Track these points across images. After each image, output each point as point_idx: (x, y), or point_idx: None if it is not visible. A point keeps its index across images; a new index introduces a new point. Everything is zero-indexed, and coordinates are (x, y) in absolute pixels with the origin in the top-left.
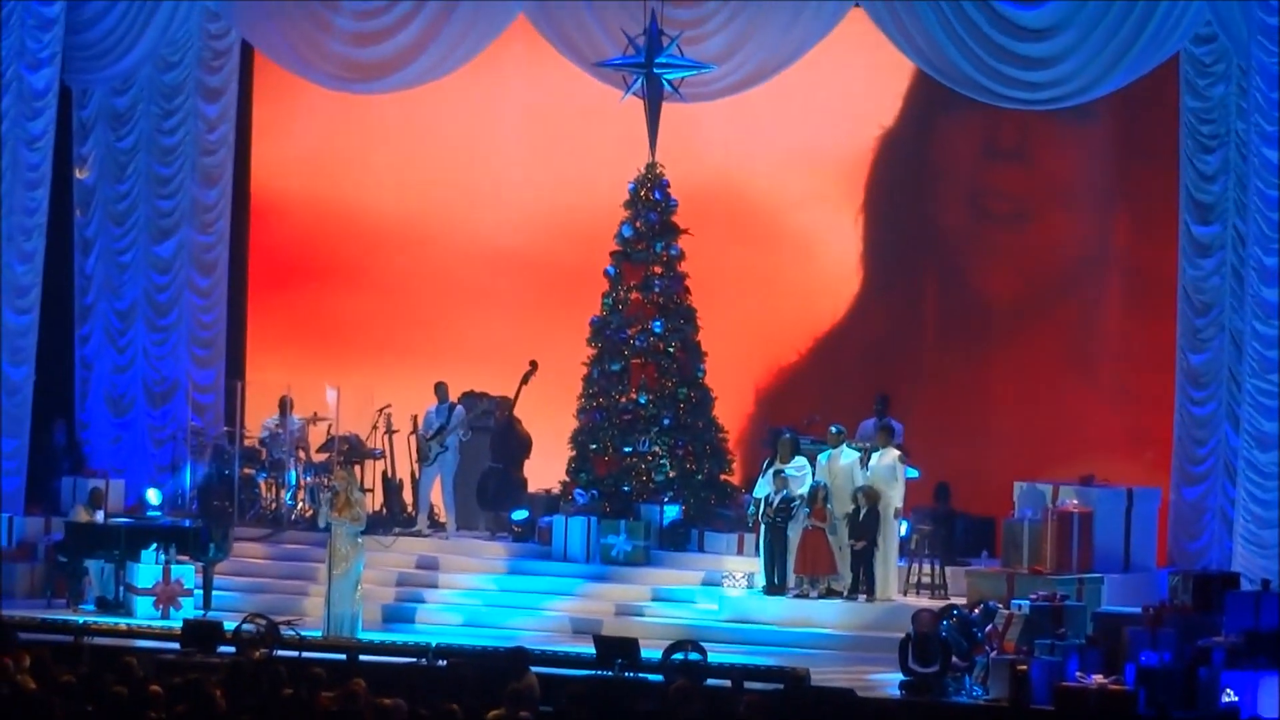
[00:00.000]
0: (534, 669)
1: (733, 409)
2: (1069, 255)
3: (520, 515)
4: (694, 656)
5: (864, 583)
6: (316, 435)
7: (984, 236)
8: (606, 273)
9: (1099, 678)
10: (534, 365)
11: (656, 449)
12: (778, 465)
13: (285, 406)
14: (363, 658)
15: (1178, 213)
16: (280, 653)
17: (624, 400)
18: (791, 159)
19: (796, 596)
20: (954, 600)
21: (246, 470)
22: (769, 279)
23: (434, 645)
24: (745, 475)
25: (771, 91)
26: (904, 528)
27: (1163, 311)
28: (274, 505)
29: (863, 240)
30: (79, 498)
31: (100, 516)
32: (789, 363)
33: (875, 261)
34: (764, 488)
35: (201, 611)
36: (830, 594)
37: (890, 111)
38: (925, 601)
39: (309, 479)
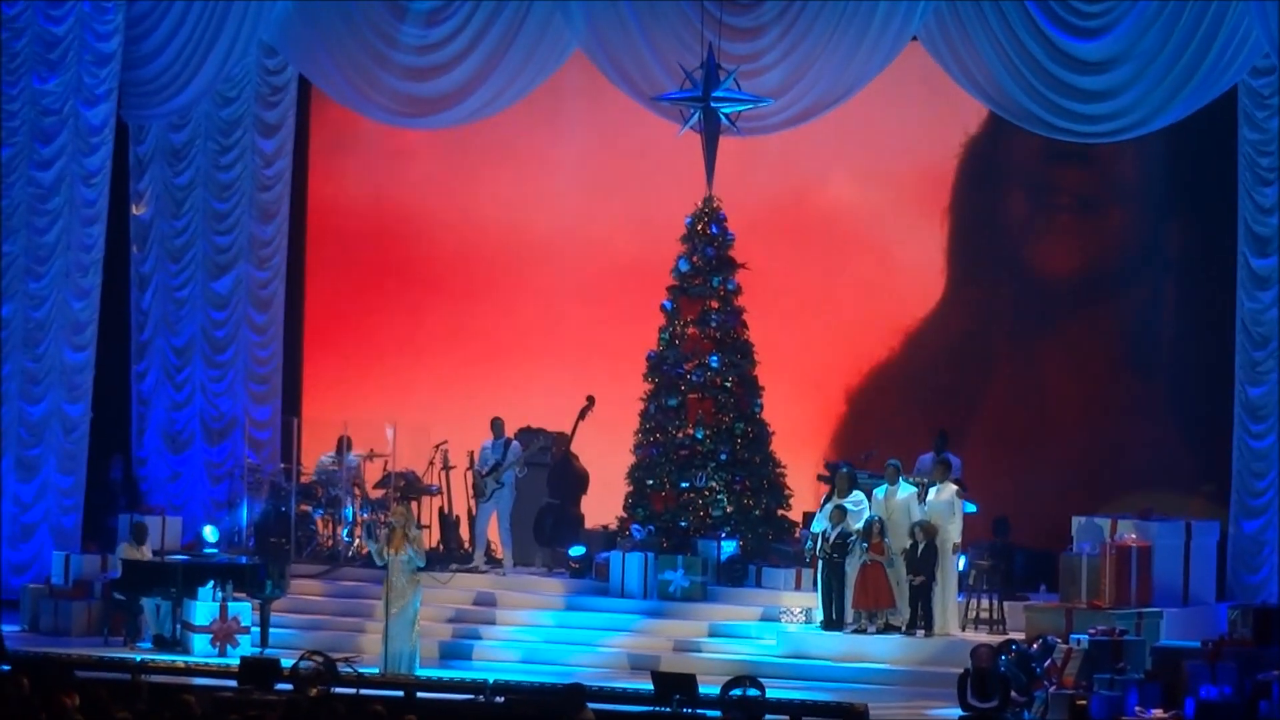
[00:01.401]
0: (591, 705)
1: (790, 444)
2: (1125, 258)
3: (577, 551)
4: (752, 692)
5: (922, 618)
6: (373, 471)
7: (1049, 232)
8: (663, 307)
9: (1158, 712)
10: (591, 401)
11: (714, 484)
12: (836, 500)
13: (343, 446)
14: (420, 694)
15: (1235, 243)
16: (338, 690)
17: (681, 435)
18: (857, 182)
19: (855, 632)
20: (1012, 635)
21: (303, 507)
22: (826, 314)
23: (491, 682)
24: (802, 510)
25: (840, 112)
26: (962, 562)
27: (1220, 344)
28: (331, 542)
29: (944, 257)
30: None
31: (148, 551)
32: (847, 396)
33: (948, 285)
34: (821, 522)
35: (259, 649)
36: (888, 629)
37: (961, 130)
38: (984, 636)
39: (366, 515)
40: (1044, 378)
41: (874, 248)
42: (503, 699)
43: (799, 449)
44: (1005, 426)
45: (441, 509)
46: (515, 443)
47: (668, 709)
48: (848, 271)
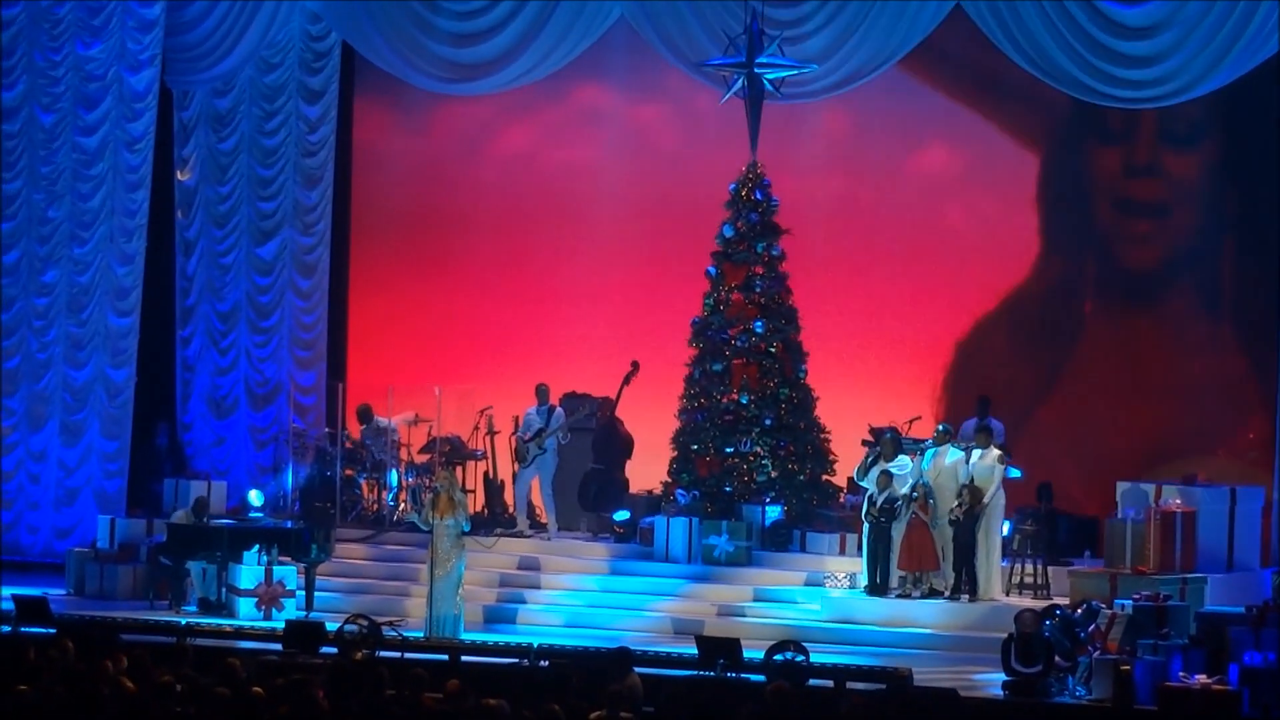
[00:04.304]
0: (636, 669)
1: (835, 409)
2: (1179, 248)
3: (622, 516)
4: (796, 657)
5: (966, 583)
6: (418, 436)
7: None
8: (708, 273)
9: (1202, 678)
10: (635, 366)
11: (758, 449)
12: (882, 464)
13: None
14: (465, 658)
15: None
16: (382, 654)
17: (725, 401)
18: (918, 160)
19: (899, 596)
20: (1057, 600)
21: (348, 471)
22: (872, 278)
23: (536, 646)
24: (847, 477)
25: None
26: (1006, 528)
27: (1268, 309)
28: (375, 506)
29: (1014, 225)
30: (181, 500)
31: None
32: (893, 362)
33: (1028, 254)
34: (869, 483)
35: (304, 613)
36: (933, 594)
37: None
38: (1028, 601)
39: (410, 480)
40: (1088, 351)
41: (918, 217)
42: (547, 663)
43: (844, 414)
44: (1050, 393)
45: (486, 474)
46: (559, 409)
47: (712, 673)
48: (895, 238)
